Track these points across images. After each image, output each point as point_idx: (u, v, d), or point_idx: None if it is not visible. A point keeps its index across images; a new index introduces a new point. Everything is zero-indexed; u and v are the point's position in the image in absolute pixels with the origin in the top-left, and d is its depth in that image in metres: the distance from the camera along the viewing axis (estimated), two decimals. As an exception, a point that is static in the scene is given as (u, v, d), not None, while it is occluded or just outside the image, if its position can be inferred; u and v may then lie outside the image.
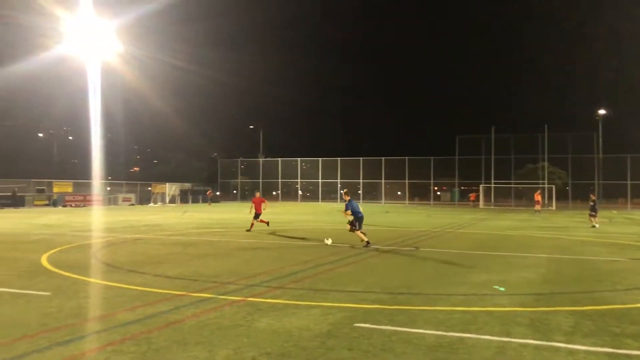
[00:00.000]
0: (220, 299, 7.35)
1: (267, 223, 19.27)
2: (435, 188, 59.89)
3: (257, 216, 18.88)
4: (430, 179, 56.56)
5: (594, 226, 22.12)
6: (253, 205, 19.09)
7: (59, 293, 7.70)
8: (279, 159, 63.43)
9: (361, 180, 58.16)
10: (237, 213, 32.63)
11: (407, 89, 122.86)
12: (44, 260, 11.08)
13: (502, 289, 8.28)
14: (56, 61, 43.71)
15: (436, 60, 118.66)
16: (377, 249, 13.43)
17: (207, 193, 55.35)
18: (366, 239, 13.88)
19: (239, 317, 6.33)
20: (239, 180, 65.58)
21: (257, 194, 20.02)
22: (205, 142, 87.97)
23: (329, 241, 14.65)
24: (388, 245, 14.40)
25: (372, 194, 60.42)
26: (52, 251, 12.68)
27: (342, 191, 16.39)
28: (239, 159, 68.22)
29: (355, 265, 10.75)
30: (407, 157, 56.52)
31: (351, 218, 14.16)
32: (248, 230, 18.46)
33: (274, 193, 63.58)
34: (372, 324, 6.03)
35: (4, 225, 21.57)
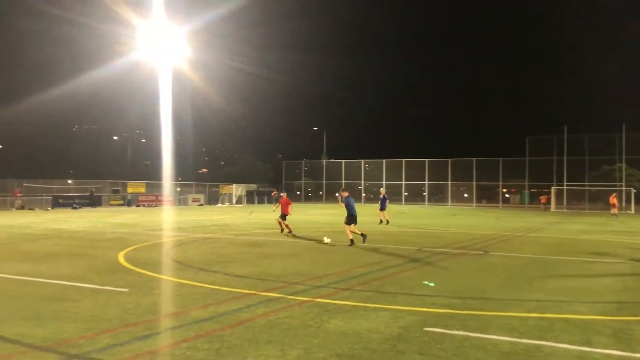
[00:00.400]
0: (289, 299, 7.42)
1: (289, 230, 18.15)
2: (504, 190, 58.07)
3: (284, 217, 18.18)
4: (498, 181, 54.91)
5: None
6: (279, 205, 18.60)
7: (136, 290, 8.02)
8: (343, 160, 63.51)
9: (427, 182, 57.29)
10: (301, 214, 32.91)
11: (474, 87, 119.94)
12: (120, 258, 11.58)
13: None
14: (131, 67, 45.74)
15: (504, 58, 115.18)
16: (446, 252, 13.18)
17: (272, 194, 56.24)
18: (351, 237, 14.50)
19: (308, 317, 6.37)
20: (302, 181, 66.17)
21: (284, 195, 19.43)
22: (270, 144, 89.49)
23: (327, 240, 15.04)
24: (456, 249, 14.09)
25: (438, 196, 59.38)
26: (128, 249, 13.24)
27: (341, 190, 17.00)
28: (303, 161, 68.83)
29: (423, 269, 10.59)
30: (474, 158, 55.16)
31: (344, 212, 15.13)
32: (290, 233, 17.78)
33: (337, 195, 63.71)
34: (443, 329, 5.91)
35: (83, 224, 22.73)
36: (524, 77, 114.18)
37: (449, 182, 56.73)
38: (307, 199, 64.00)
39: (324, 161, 66.21)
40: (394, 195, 60.99)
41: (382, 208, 24.25)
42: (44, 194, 42.59)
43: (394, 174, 58.77)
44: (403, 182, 58.76)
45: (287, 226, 18.15)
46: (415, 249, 13.72)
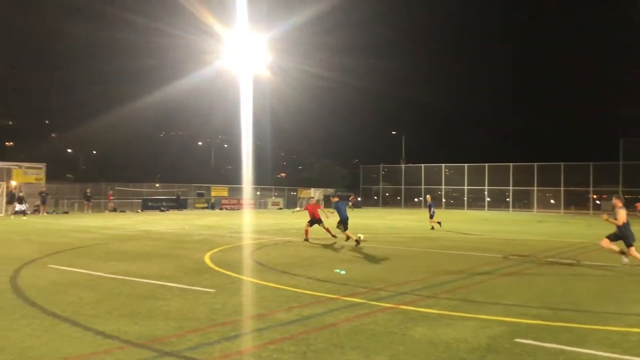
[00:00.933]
0: (372, 305, 7.37)
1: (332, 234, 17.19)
2: (595, 196, 54.88)
3: (316, 222, 17.31)
4: (589, 187, 51.99)
5: None
6: (307, 212, 17.83)
7: (222, 290, 8.25)
8: (422, 165, 62.51)
9: (511, 187, 55.19)
10: (379, 219, 32.71)
11: (560, 88, 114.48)
12: (207, 259, 11.98)
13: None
14: (215, 75, 47.45)
15: (596, 54, 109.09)
16: (533, 261, 12.63)
17: (350, 198, 56.42)
18: (354, 238, 15.48)
19: (392, 324, 6.29)
20: (380, 186, 65.74)
21: (312, 200, 18.78)
22: (347, 149, 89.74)
23: (361, 236, 15.80)
24: (545, 257, 13.46)
25: (522, 202, 57.01)
26: (213, 251, 13.68)
27: (331, 196, 17.93)
28: (381, 165, 68.37)
29: (510, 277, 10.19)
30: (562, 163, 52.52)
31: (334, 217, 16.50)
32: (334, 236, 17.08)
33: (416, 200, 62.77)
34: (535, 341, 5.64)
35: (171, 226, 23.75)
36: (616, 76, 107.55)
37: (535, 188, 54.31)
38: (385, 203, 63.49)
39: (403, 165, 65.48)
40: (476, 201, 59.24)
41: (431, 215, 23.86)
42: (134, 197, 44.97)
43: (476, 178, 57.06)
44: (486, 187, 56.95)
45: (327, 230, 17.25)
46: (501, 257, 13.24)
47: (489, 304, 7.57)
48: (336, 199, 16.90)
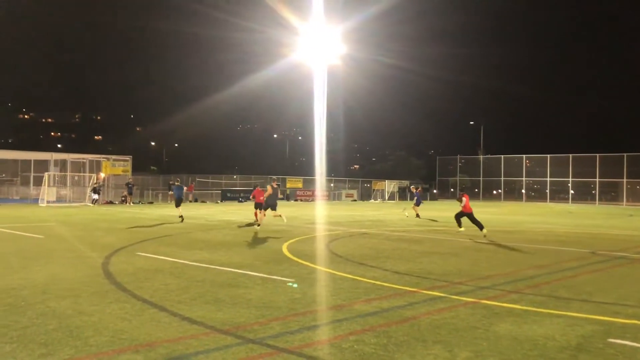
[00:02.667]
0: (453, 299, 7.21)
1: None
2: (692, 189, 51.05)
3: (258, 206, 18.45)
4: (685, 178, 48.41)
5: None
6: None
7: (300, 280, 8.35)
8: (502, 156, 60.51)
9: (597, 179, 52.34)
10: (454, 211, 31.97)
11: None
12: (284, 249, 12.17)
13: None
14: (290, 68, 48.02)
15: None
16: (624, 257, 11.91)
17: (416, 189, 55.78)
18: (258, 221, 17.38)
19: (475, 319, 6.12)
20: (457, 178, 64.25)
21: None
22: (423, 140, 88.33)
23: (462, 229, 16.77)
24: (637, 253, 12.67)
25: (610, 194, 53.94)
26: (291, 241, 13.88)
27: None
28: (457, 156, 66.79)
29: (599, 274, 9.66)
30: (655, 152, 49.24)
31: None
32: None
33: (495, 192, 60.91)
34: (632, 342, 5.31)
35: (249, 216, 24.31)
36: None
37: (624, 180, 51.20)
38: (462, 196, 62.04)
39: (481, 157, 63.66)
40: (559, 193, 56.59)
41: (417, 204, 25.47)
42: (213, 188, 46.49)
43: (559, 170, 54.54)
44: (570, 179, 54.34)
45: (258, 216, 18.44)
46: (588, 252, 12.58)
47: (578, 300, 7.21)
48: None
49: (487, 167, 61.24)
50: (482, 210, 35.10)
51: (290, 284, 8.17)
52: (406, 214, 25.69)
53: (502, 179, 58.36)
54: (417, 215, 24.70)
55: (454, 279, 8.75)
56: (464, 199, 16.55)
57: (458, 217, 16.80)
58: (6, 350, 4.79)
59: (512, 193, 59.69)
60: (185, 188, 26.57)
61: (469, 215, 16.30)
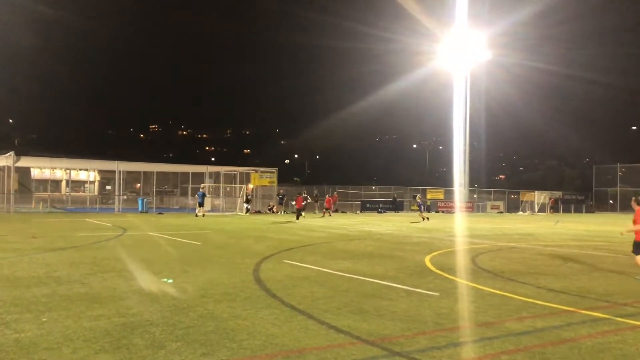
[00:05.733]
0: (618, 321, 6.54)
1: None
2: None
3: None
4: None
5: None
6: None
7: (446, 294, 8.11)
8: (671, 163, 54.11)
9: None
10: (616, 225, 29.12)
11: None
12: (427, 262, 11.94)
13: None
14: (429, 76, 47.37)
15: None
16: None
17: (550, 200, 52.19)
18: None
19: (647, 346, 5.49)
20: (617, 188, 58.57)
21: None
22: (577, 148, 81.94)
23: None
24: None
25: None
26: (433, 254, 13.58)
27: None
28: (617, 165, 60.88)
29: None
30: None
31: None
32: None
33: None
34: None
35: (389, 227, 24.29)
36: None
37: None
38: (624, 208, 56.39)
39: (645, 165, 57.45)
40: None
41: (420, 211, 30.99)
42: (353, 199, 47.15)
43: None
44: None
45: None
46: None
47: None
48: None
49: (653, 176, 55.10)
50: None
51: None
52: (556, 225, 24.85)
53: (673, 189, 52.04)
54: (424, 219, 29.27)
55: (619, 299, 7.94)
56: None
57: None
58: (173, 347, 5.23)
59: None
60: (207, 195, 35.54)
61: None
